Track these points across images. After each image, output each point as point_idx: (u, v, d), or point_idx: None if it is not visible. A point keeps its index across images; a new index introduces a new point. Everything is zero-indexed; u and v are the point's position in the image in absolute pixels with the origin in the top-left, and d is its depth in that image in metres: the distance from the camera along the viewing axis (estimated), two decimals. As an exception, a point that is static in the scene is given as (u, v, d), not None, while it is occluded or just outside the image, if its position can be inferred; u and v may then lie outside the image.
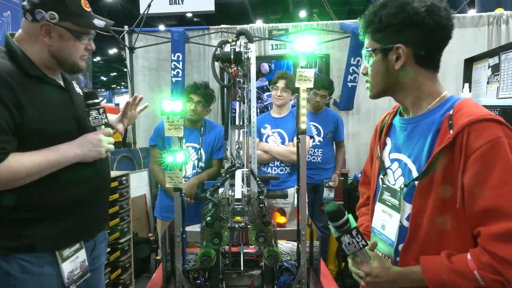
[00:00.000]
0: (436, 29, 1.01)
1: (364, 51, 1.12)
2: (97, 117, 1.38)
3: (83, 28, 1.34)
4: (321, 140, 3.31)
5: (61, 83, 1.45)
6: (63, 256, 1.37)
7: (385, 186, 1.14)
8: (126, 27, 4.33)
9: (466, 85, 2.28)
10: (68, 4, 1.28)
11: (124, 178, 3.09)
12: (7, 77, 1.21)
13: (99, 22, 1.34)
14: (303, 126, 1.59)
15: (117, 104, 9.77)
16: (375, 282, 1.06)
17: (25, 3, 1.30)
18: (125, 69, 4.55)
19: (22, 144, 1.25)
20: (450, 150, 0.95)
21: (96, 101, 1.40)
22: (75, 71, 1.44)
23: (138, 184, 4.09)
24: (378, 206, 1.16)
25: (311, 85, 1.57)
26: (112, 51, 12.66)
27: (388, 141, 1.19)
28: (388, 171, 1.15)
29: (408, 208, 1.05)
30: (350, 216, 1.05)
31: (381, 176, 1.17)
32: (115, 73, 17.67)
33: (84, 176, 1.40)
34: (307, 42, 1.56)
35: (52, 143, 1.30)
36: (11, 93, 1.21)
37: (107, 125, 1.43)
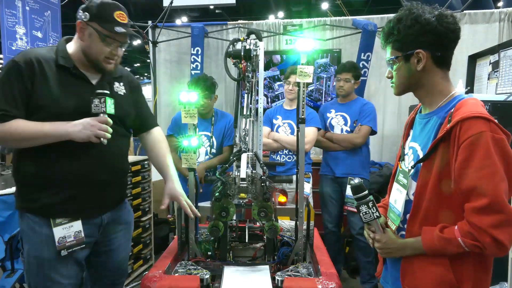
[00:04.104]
0: (446, 33, 1.21)
1: (387, 59, 1.32)
2: (98, 105, 1.50)
3: (108, 32, 1.52)
4: (348, 129, 3.06)
5: (93, 80, 1.63)
6: (55, 222, 1.54)
7: (400, 169, 1.36)
8: (150, 22, 4.59)
9: (460, 80, 2.41)
10: (102, 10, 1.52)
11: (146, 162, 3.38)
12: (33, 61, 1.49)
13: (120, 29, 1.52)
14: (302, 116, 1.80)
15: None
16: (384, 248, 1.30)
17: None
18: (148, 61, 4.82)
19: (30, 115, 1.49)
20: (447, 141, 1.16)
21: (105, 92, 1.53)
22: (99, 70, 1.60)
23: (159, 169, 4.36)
24: (394, 186, 1.39)
25: (310, 80, 1.77)
26: (136, 42, 13.02)
27: (411, 132, 1.41)
28: (405, 157, 1.37)
29: (414, 185, 1.27)
30: (371, 196, 1.28)
31: (400, 161, 1.40)
32: (138, 64, 18.09)
33: (82, 158, 1.56)
34: (306, 42, 1.77)
35: (53, 120, 1.49)
36: (31, 73, 1.48)
37: (109, 115, 1.53)
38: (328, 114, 3.17)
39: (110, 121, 1.53)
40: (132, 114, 1.79)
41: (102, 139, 1.51)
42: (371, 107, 3.05)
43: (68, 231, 1.56)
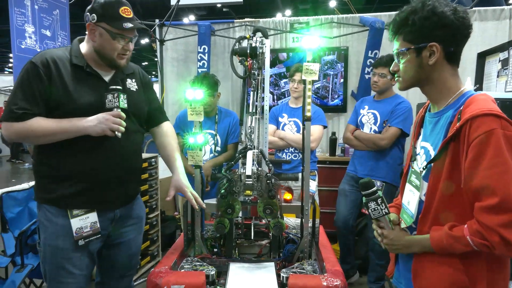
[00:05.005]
0: (461, 28, 1.19)
1: (396, 51, 1.27)
2: (111, 100, 1.57)
3: (117, 30, 1.57)
4: (376, 129, 2.83)
5: (106, 77, 1.68)
6: (72, 214, 1.61)
7: (413, 170, 1.34)
8: (157, 21, 4.61)
9: (469, 78, 2.38)
10: (108, 9, 1.57)
11: (153, 160, 3.41)
12: (49, 62, 1.56)
13: (128, 24, 1.57)
14: (308, 114, 1.80)
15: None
16: (392, 245, 1.30)
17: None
18: (155, 59, 4.85)
19: (49, 113, 1.56)
20: (458, 140, 1.14)
21: (118, 87, 1.59)
22: (114, 66, 1.66)
23: (166, 167, 4.39)
24: (407, 187, 1.37)
25: (316, 77, 1.77)
26: (144, 41, 13.08)
27: (422, 131, 1.38)
28: (417, 157, 1.35)
29: (425, 186, 1.25)
30: (380, 192, 1.28)
31: (411, 161, 1.37)
32: (146, 63, 18.19)
33: (88, 154, 1.61)
34: (312, 40, 1.77)
35: (70, 116, 1.56)
36: (48, 72, 1.55)
37: (123, 109, 1.60)
38: (361, 111, 2.96)
39: (123, 115, 1.59)
40: (145, 110, 1.83)
41: (116, 132, 1.56)
42: (405, 107, 2.73)
43: (84, 222, 1.63)
